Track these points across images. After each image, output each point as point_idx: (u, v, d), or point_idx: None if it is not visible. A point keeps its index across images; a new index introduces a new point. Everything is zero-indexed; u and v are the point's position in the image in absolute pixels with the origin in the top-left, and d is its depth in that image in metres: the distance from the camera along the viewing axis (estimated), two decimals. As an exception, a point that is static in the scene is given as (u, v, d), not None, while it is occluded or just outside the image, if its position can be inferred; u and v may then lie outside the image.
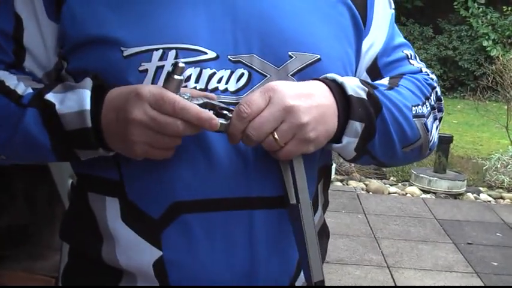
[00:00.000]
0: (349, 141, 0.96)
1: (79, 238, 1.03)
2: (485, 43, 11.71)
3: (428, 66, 12.87)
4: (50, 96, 0.91)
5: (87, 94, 0.89)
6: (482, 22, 12.00)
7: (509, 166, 6.34)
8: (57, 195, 2.17)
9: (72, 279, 1.06)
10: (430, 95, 1.08)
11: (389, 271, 4.11)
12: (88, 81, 0.90)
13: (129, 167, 0.94)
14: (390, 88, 1.01)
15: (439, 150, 6.12)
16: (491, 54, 10.94)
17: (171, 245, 0.94)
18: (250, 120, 0.87)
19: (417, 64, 1.11)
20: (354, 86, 0.95)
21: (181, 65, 0.84)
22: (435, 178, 5.97)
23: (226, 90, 0.93)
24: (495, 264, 4.38)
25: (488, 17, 12.06)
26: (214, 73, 0.92)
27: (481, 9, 12.07)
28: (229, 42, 0.93)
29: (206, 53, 0.92)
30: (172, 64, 0.85)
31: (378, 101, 0.97)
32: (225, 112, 0.89)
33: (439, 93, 1.12)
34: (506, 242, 4.81)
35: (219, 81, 0.92)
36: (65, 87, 0.92)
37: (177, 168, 0.92)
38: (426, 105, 1.05)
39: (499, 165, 6.38)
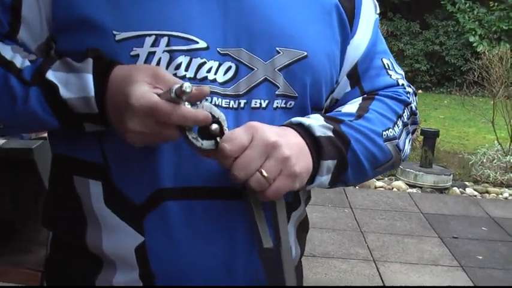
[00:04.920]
0: (322, 180, 0.98)
1: (63, 222, 1.03)
2: (471, 38, 11.77)
3: (415, 61, 12.87)
4: (51, 76, 0.90)
5: (89, 79, 0.89)
6: (469, 17, 12.06)
7: (495, 161, 6.39)
8: (43, 189, 2.17)
9: (53, 270, 1.07)
10: (403, 112, 1.09)
11: (375, 265, 4.14)
12: (89, 63, 0.90)
13: (113, 151, 0.95)
14: (359, 116, 1.03)
15: (425, 145, 6.16)
16: (478, 49, 11.00)
17: (153, 231, 0.95)
18: (235, 157, 0.87)
19: (394, 75, 1.12)
20: (319, 126, 0.97)
21: (187, 89, 0.82)
22: (421, 173, 6.01)
23: (215, 80, 0.94)
24: (480, 257, 4.42)
25: (475, 12, 12.13)
26: (204, 62, 0.93)
27: (467, 4, 12.13)
28: (218, 34, 0.94)
29: (197, 42, 0.93)
30: (181, 86, 0.83)
31: (344, 136, 0.99)
32: (214, 127, 0.88)
33: (414, 108, 1.13)
34: (491, 236, 4.86)
35: (209, 71, 0.93)
36: (66, 67, 0.91)
37: (163, 156, 0.93)
38: (398, 125, 1.07)
39: (484, 160, 6.43)
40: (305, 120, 0.97)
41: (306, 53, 0.98)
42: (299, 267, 1.14)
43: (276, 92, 0.97)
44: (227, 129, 0.89)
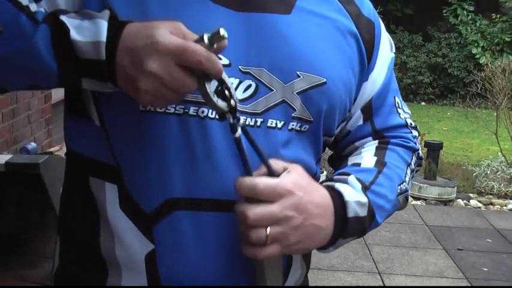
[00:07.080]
0: (333, 249, 1.03)
1: (78, 225, 1.03)
2: (474, 50, 11.79)
3: (418, 73, 12.87)
4: (64, 18, 0.88)
5: (104, 25, 0.87)
6: (471, 29, 12.08)
7: (498, 172, 6.38)
8: (49, 204, 2.18)
9: (63, 277, 1.07)
10: (411, 160, 1.14)
11: (381, 277, 4.13)
12: (106, 13, 0.89)
13: (125, 157, 0.95)
14: (379, 172, 1.06)
15: (429, 157, 6.16)
16: (480, 61, 11.01)
17: (163, 240, 0.95)
18: (254, 190, 0.88)
19: (403, 114, 1.16)
20: (355, 202, 0.99)
21: (226, 34, 0.84)
22: (425, 185, 6.00)
23: None
24: (485, 269, 4.41)
25: (477, 24, 12.15)
26: None
27: (470, 16, 12.16)
28: (241, 53, 0.95)
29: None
30: (218, 32, 0.84)
31: (372, 209, 1.02)
32: (226, 93, 0.88)
33: (420, 154, 1.18)
34: (496, 248, 4.85)
35: None
36: (82, 15, 0.90)
37: (177, 166, 0.94)
38: (407, 174, 1.12)
39: (488, 172, 6.42)
40: (346, 191, 0.99)
41: (325, 80, 1.00)
42: (305, 283, 1.15)
43: (292, 115, 0.98)
44: (236, 97, 0.89)
